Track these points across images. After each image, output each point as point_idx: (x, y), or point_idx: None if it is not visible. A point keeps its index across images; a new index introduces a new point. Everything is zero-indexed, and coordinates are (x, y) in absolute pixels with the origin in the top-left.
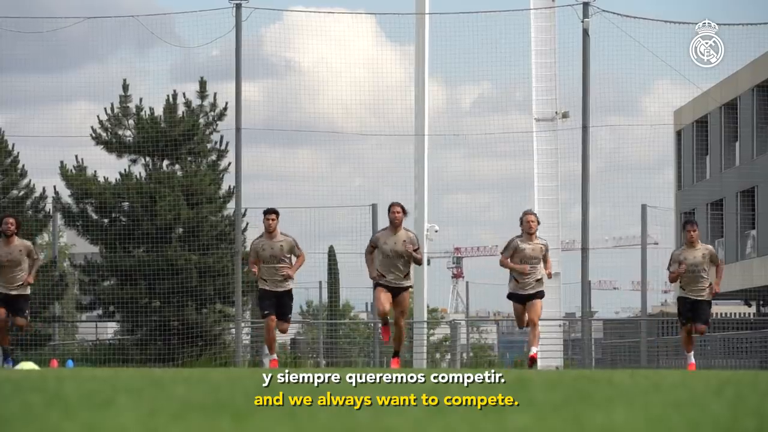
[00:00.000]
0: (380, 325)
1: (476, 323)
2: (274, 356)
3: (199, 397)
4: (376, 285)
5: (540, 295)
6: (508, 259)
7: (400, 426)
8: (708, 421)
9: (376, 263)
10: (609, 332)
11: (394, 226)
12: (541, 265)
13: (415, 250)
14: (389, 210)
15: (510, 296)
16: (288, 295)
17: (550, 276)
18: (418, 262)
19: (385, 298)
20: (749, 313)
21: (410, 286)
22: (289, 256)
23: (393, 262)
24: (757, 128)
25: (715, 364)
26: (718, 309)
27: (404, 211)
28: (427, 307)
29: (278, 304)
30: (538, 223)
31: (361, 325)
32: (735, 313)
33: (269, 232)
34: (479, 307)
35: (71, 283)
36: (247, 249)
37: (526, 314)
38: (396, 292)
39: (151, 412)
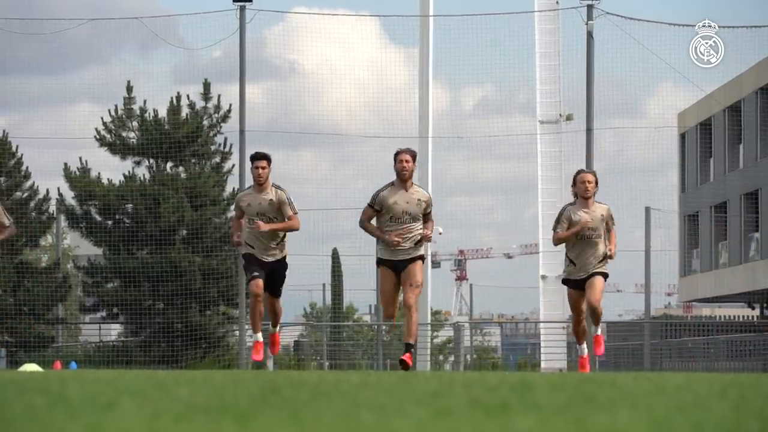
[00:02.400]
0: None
1: (480, 326)
2: (259, 336)
3: (203, 399)
4: (380, 262)
5: (604, 273)
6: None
7: (405, 428)
8: (711, 424)
9: (383, 231)
10: (612, 335)
11: (403, 180)
12: (603, 242)
13: (426, 214)
14: (395, 159)
15: (566, 282)
16: (282, 264)
17: (612, 256)
18: (427, 237)
19: (395, 294)
20: (753, 316)
21: (422, 256)
22: (280, 214)
23: (404, 226)
24: (760, 131)
25: (719, 367)
26: (722, 311)
27: (414, 159)
28: (431, 309)
29: (269, 276)
30: (597, 184)
31: (365, 328)
32: (739, 316)
33: (259, 183)
34: (483, 310)
35: (75, 284)
36: None
37: (584, 302)
38: (404, 263)
39: (155, 413)
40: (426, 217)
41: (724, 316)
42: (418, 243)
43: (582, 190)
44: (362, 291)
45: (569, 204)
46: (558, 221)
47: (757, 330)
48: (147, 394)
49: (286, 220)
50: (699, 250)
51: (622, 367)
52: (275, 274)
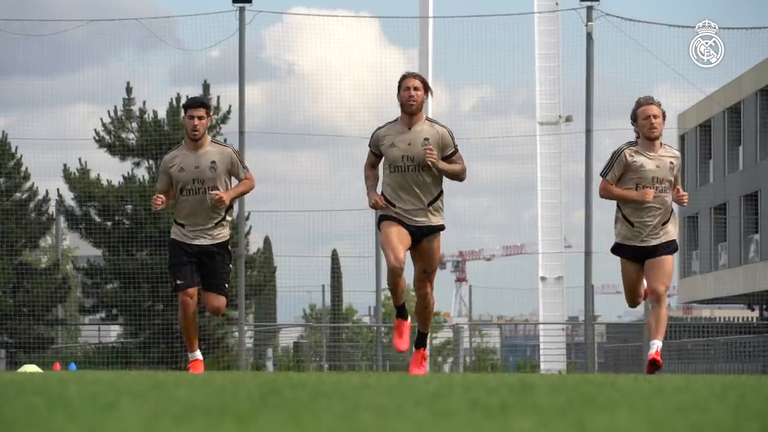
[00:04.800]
0: (394, 313)
1: (479, 327)
2: (197, 354)
3: (203, 401)
4: (382, 218)
5: (671, 247)
6: (613, 186)
7: (405, 429)
8: (711, 425)
9: (384, 183)
10: (612, 336)
11: (409, 113)
12: (670, 198)
13: (450, 156)
14: (400, 87)
15: (617, 249)
16: (220, 250)
17: (682, 199)
18: (457, 176)
19: (399, 240)
20: (752, 318)
21: (441, 226)
22: (225, 180)
23: (409, 178)
24: (760, 132)
25: (718, 368)
26: (721, 313)
27: (426, 89)
28: None
29: (202, 266)
30: (665, 118)
31: (365, 329)
32: (738, 318)
33: (194, 139)
34: (482, 311)
35: (74, 285)
36: (251, 253)
37: (644, 282)
38: (417, 235)
39: (155, 415)
40: (450, 159)
41: (724, 318)
42: (434, 202)
43: (646, 128)
44: (362, 292)
45: (628, 144)
46: (609, 166)
47: (756, 331)
48: (147, 395)
49: (241, 182)
50: (698, 252)
51: (622, 368)
52: (213, 264)
